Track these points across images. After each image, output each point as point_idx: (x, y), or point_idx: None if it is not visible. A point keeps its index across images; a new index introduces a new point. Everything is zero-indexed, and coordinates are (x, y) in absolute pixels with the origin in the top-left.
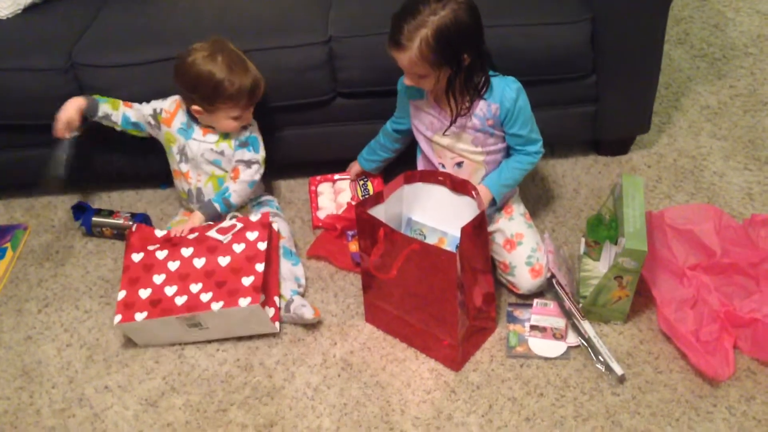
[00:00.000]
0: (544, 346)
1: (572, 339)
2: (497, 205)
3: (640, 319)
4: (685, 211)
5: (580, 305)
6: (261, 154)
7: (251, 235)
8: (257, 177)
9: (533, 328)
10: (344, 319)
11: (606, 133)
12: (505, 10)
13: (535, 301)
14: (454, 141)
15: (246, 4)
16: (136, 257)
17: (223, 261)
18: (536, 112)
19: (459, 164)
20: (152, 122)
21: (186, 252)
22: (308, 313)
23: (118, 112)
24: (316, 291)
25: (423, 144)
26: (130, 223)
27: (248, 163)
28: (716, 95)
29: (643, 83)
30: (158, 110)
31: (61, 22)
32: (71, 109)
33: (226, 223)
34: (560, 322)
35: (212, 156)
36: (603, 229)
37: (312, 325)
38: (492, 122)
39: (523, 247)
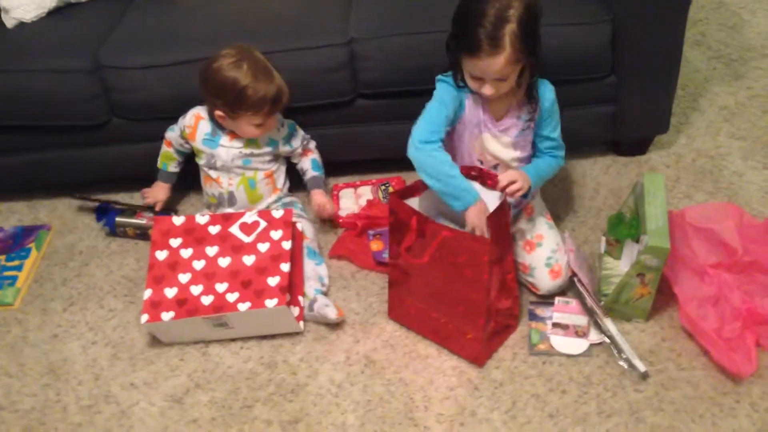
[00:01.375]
0: (567, 344)
1: (594, 336)
2: (529, 197)
3: (662, 316)
4: (706, 209)
5: (602, 303)
6: (301, 133)
7: (275, 234)
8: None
9: (555, 325)
10: (366, 317)
11: (625, 134)
12: None
13: (557, 299)
14: (497, 144)
15: (267, 6)
16: (161, 255)
17: (248, 260)
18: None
19: (495, 167)
20: (183, 143)
21: (211, 251)
22: (332, 313)
23: (175, 156)
24: (338, 290)
25: (465, 139)
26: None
27: (305, 143)
28: (734, 96)
29: (662, 84)
30: (182, 128)
31: (86, 25)
32: (162, 196)
33: (248, 219)
34: (582, 320)
35: (242, 158)
36: (624, 227)
37: (335, 323)
38: (532, 123)
39: (542, 248)
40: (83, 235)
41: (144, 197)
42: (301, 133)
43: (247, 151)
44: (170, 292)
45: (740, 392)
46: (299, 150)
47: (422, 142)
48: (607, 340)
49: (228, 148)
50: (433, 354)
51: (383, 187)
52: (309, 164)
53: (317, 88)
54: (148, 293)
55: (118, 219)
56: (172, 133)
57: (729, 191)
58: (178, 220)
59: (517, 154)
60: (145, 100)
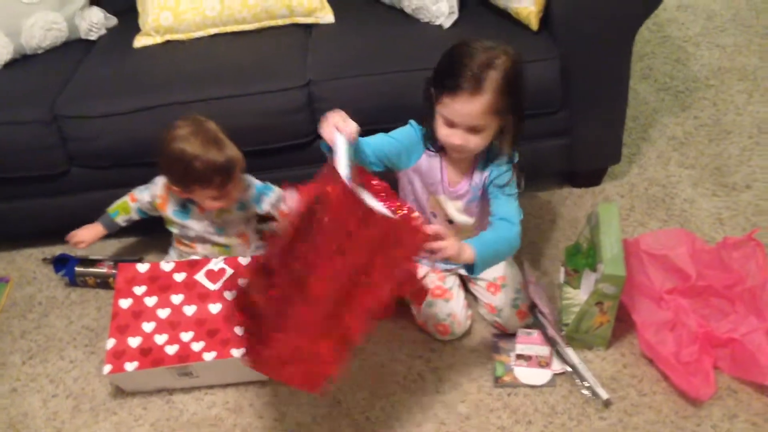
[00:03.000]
0: (530, 375)
1: (557, 366)
2: (476, 272)
3: (622, 343)
4: (660, 236)
5: (563, 333)
6: (275, 189)
7: (242, 282)
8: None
9: (519, 357)
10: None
11: (579, 165)
12: None
13: (519, 330)
14: (452, 207)
15: (225, 51)
16: (125, 303)
17: (214, 309)
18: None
19: (450, 221)
20: (152, 210)
21: (176, 299)
22: None
23: (132, 212)
24: None
25: (418, 188)
26: (114, 271)
27: (275, 202)
28: (682, 126)
29: (612, 116)
30: (153, 196)
31: (43, 76)
32: (90, 238)
33: (215, 266)
34: (545, 350)
35: (215, 228)
36: (581, 257)
37: None
38: (482, 191)
39: (507, 289)
40: (42, 286)
41: (68, 240)
42: (273, 194)
43: (219, 220)
44: (134, 342)
45: (701, 415)
46: (272, 213)
47: None
48: (570, 370)
49: (199, 221)
50: (399, 391)
51: None
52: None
53: (277, 130)
54: (111, 343)
55: (77, 268)
56: (142, 195)
57: (681, 218)
58: (142, 267)
59: (471, 220)
60: (105, 148)
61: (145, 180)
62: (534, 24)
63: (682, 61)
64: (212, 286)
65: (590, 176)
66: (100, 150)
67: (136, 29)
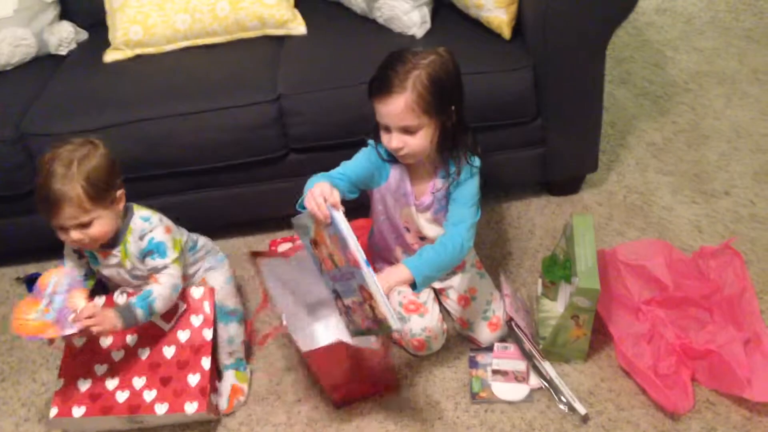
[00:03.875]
0: (507, 390)
1: (534, 381)
2: (417, 289)
3: (600, 356)
4: (636, 247)
5: (540, 346)
6: (171, 257)
7: (196, 320)
8: (177, 281)
9: (495, 372)
10: (307, 374)
11: (555, 174)
12: None
13: (496, 345)
14: (422, 219)
15: (195, 65)
16: (79, 341)
17: (168, 352)
18: (486, 156)
19: (422, 238)
20: (83, 262)
21: (130, 339)
22: (221, 404)
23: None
24: (278, 347)
25: (389, 204)
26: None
27: (160, 270)
28: (660, 131)
29: (587, 124)
30: (74, 247)
31: (11, 93)
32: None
33: None
34: (521, 365)
35: (126, 274)
36: (558, 269)
37: (276, 383)
38: (446, 199)
39: (477, 302)
40: (14, 306)
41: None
42: (168, 258)
43: (128, 267)
44: (83, 385)
45: (680, 429)
46: (145, 273)
47: (320, 174)
48: (547, 384)
49: (108, 267)
50: (376, 408)
51: None
52: (142, 292)
53: (249, 144)
54: (60, 384)
55: None
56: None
57: (660, 226)
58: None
59: (442, 231)
60: None
61: None
62: (506, 33)
63: (660, 65)
64: (166, 326)
65: (568, 185)
66: None
67: (106, 43)
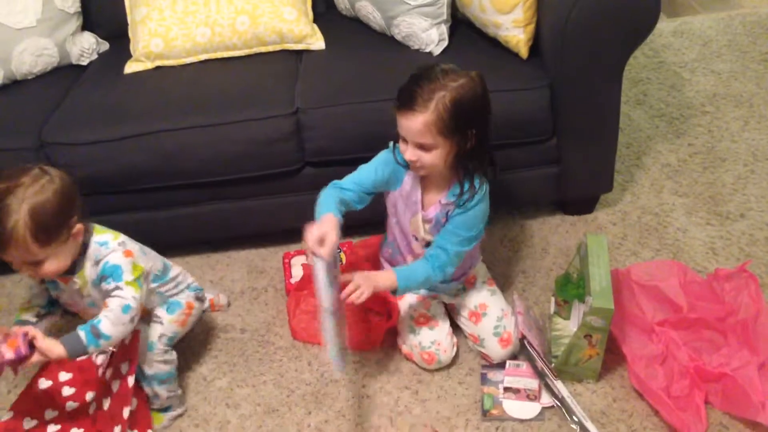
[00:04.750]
0: (519, 408)
1: (546, 399)
2: (397, 293)
3: (613, 376)
4: (650, 267)
5: (553, 365)
6: (126, 279)
7: (123, 368)
8: (129, 302)
9: (507, 389)
10: (318, 387)
11: (570, 193)
12: None
13: (508, 362)
14: (423, 226)
15: (213, 78)
16: (44, 384)
17: (106, 404)
18: (502, 175)
19: (428, 244)
20: (43, 287)
21: (89, 396)
22: None
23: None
24: (290, 360)
25: (400, 211)
26: None
27: (111, 293)
28: (676, 153)
29: (603, 144)
30: None
31: (32, 102)
32: None
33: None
34: (533, 383)
35: (86, 300)
36: (571, 287)
37: (286, 396)
38: (445, 219)
39: (488, 318)
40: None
41: None
42: (121, 281)
43: (86, 293)
44: (28, 424)
45: None
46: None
47: (332, 184)
48: (559, 403)
49: (68, 292)
50: (386, 424)
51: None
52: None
53: (265, 158)
54: (7, 416)
55: None
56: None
57: (674, 248)
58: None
59: None
60: (92, 175)
61: (122, 207)
62: (524, 52)
63: (677, 87)
64: (107, 377)
65: (582, 204)
66: (87, 177)
67: (127, 54)
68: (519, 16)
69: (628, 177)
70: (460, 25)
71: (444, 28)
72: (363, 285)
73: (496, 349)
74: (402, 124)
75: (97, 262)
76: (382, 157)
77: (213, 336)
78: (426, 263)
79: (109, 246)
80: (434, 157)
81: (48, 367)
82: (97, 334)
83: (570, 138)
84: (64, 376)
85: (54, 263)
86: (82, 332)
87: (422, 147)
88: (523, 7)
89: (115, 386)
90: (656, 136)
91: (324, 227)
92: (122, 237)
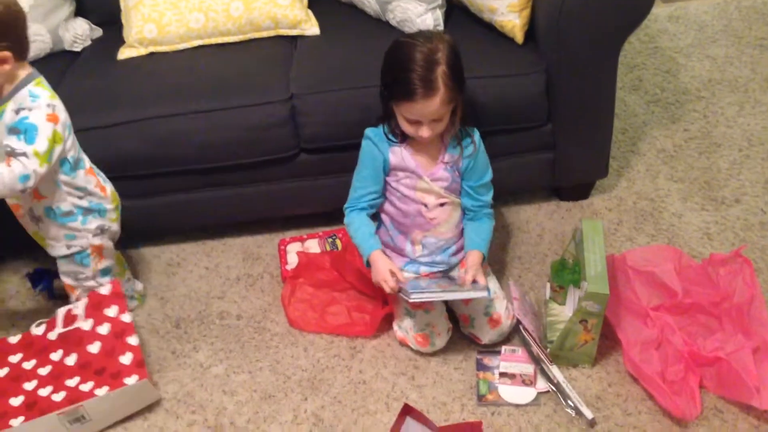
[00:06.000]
0: (514, 393)
1: (542, 384)
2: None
3: (608, 361)
4: (646, 252)
5: (548, 350)
6: (37, 147)
7: (111, 311)
8: (29, 173)
9: (502, 375)
10: (314, 373)
11: (565, 179)
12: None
13: (503, 347)
14: (433, 191)
15: (208, 64)
16: (1, 372)
17: (94, 348)
18: (495, 161)
19: (442, 204)
20: None
21: (56, 356)
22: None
23: None
24: (286, 346)
25: (403, 184)
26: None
27: (18, 154)
28: (671, 138)
29: (599, 130)
30: None
31: None
32: None
33: (79, 309)
34: (529, 368)
35: None
36: (567, 273)
37: (282, 382)
38: (458, 173)
39: (478, 298)
40: (25, 300)
41: None
42: (30, 147)
43: None
44: (16, 401)
45: None
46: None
47: (346, 209)
48: (554, 388)
49: None
50: (382, 409)
51: (330, 240)
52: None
53: (260, 144)
54: None
55: (56, 282)
56: None
57: (669, 233)
58: (13, 339)
59: (453, 197)
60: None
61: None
62: (519, 37)
63: (672, 72)
64: (85, 326)
65: (578, 190)
66: None
67: (121, 40)
68: (514, 0)
69: (624, 163)
70: (455, 10)
71: (439, 13)
72: (478, 270)
73: (485, 329)
74: (414, 110)
75: (18, 111)
76: (367, 154)
77: (209, 323)
78: (482, 220)
79: (38, 101)
80: (446, 121)
81: None
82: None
83: (565, 124)
84: (14, 358)
85: None
86: None
87: (436, 120)
88: None
89: (104, 329)
90: (651, 122)
91: (383, 267)
92: (58, 101)
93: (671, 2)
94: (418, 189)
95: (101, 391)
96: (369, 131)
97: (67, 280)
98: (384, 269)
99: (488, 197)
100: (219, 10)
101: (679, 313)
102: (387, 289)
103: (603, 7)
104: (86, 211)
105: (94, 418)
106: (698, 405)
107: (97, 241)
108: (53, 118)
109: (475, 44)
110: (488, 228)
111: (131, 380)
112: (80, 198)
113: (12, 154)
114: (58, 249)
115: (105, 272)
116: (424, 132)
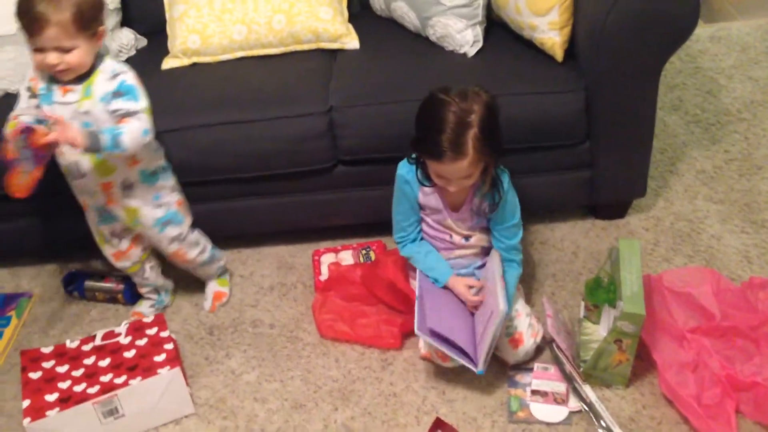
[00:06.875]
0: (546, 411)
1: (574, 404)
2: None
3: (642, 383)
4: (683, 274)
5: (581, 369)
6: (142, 104)
7: (151, 330)
8: (148, 127)
9: (534, 392)
10: (345, 384)
11: (602, 198)
12: (502, 80)
13: (536, 365)
14: (458, 231)
15: (248, 75)
16: (34, 375)
17: (129, 354)
18: (532, 177)
19: (467, 238)
20: (34, 103)
21: (89, 360)
22: (205, 306)
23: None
24: (317, 356)
25: (431, 223)
26: (121, 287)
27: (132, 113)
28: (711, 160)
29: (637, 149)
30: (28, 85)
31: None
32: None
33: (117, 329)
34: (561, 387)
35: (79, 119)
36: (602, 292)
37: (313, 391)
38: (484, 216)
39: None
40: (65, 302)
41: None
42: (139, 104)
43: (82, 109)
44: (51, 397)
45: None
46: (118, 116)
47: (396, 241)
48: (587, 408)
49: (62, 105)
50: (412, 422)
51: (364, 252)
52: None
53: (298, 155)
54: (26, 403)
55: (87, 283)
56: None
57: (707, 255)
58: (45, 349)
59: (478, 233)
60: None
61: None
62: (559, 55)
63: (713, 93)
64: (123, 340)
65: (614, 209)
66: None
67: (165, 50)
68: (555, 18)
69: (662, 183)
70: (495, 27)
71: (479, 30)
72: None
73: (508, 351)
74: (441, 170)
75: (114, 76)
76: (400, 188)
77: (242, 330)
78: (510, 269)
79: (124, 67)
80: (473, 179)
81: (25, 365)
82: (116, 143)
83: (604, 142)
84: (47, 364)
85: (79, 55)
86: (104, 135)
87: (465, 177)
88: (559, 9)
89: (142, 341)
90: (691, 142)
91: (462, 289)
92: None
93: (713, 22)
94: (444, 225)
95: (135, 381)
96: (401, 168)
97: (173, 247)
98: (463, 291)
99: (515, 240)
100: (262, 23)
101: (717, 336)
102: (472, 303)
103: (645, 27)
104: (164, 168)
105: (127, 412)
106: (734, 430)
107: (177, 195)
108: (139, 81)
109: (515, 61)
110: (513, 281)
111: (164, 370)
112: (159, 157)
113: (127, 114)
114: (154, 213)
115: (192, 228)
116: (452, 188)
